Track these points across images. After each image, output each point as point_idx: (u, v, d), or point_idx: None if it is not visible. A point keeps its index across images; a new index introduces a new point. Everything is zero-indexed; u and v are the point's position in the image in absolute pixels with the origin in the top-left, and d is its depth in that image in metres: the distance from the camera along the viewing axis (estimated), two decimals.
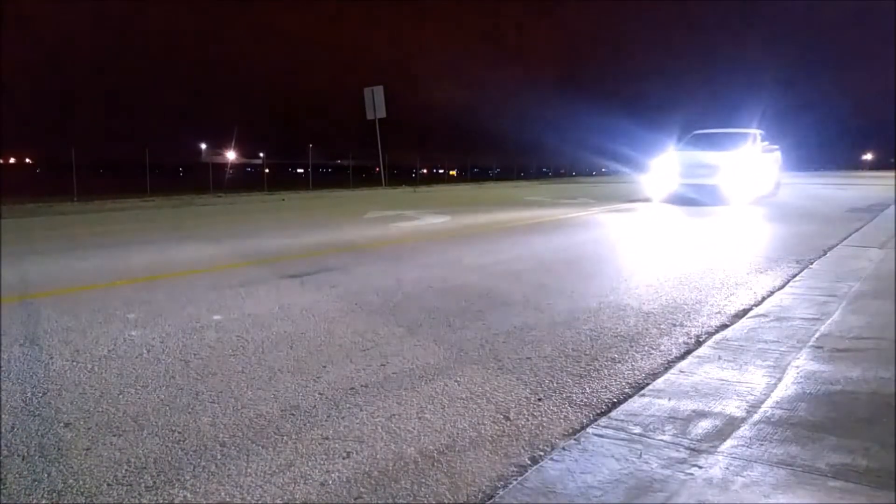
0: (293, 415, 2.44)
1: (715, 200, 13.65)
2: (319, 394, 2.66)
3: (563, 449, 2.03)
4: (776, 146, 17.26)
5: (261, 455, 2.11)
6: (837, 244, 6.90)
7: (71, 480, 1.95)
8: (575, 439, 2.10)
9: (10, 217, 12.44)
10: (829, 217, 11.23)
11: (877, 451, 1.92)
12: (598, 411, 2.45)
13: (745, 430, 2.10)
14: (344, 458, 2.08)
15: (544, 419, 2.39)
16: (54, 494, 1.88)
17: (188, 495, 1.87)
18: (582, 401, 2.57)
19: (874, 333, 3.23)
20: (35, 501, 1.84)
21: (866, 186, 25.02)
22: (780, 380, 2.57)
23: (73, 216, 13.25)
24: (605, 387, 2.73)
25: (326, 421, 2.38)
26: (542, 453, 2.09)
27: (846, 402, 2.33)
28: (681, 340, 3.40)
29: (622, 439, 2.05)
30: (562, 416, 2.41)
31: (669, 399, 2.40)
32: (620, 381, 2.79)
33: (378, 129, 26.33)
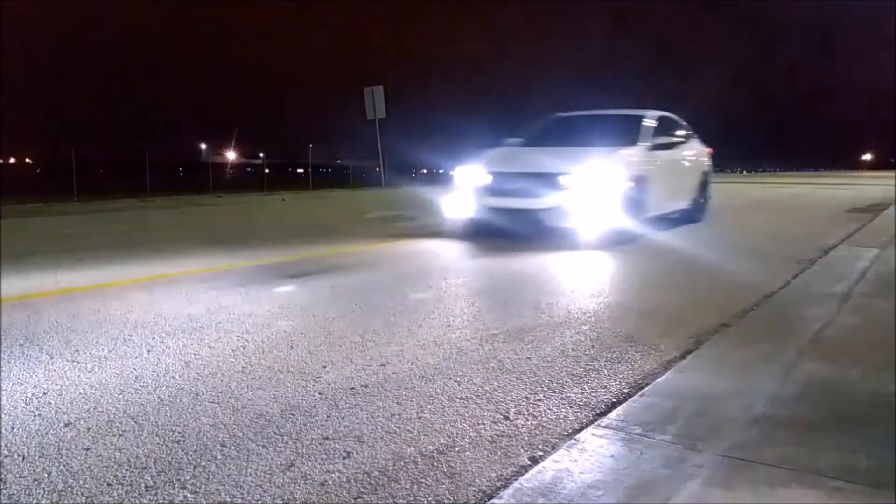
0: (293, 415, 2.44)
1: (547, 235, 7.43)
2: (319, 394, 2.66)
3: (563, 449, 2.03)
4: (694, 134, 10.41)
5: (261, 455, 2.11)
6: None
7: (71, 480, 1.95)
8: (575, 439, 2.10)
9: (10, 217, 12.44)
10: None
11: (877, 450, 1.92)
12: (598, 411, 2.45)
13: (745, 431, 2.10)
14: (344, 458, 2.08)
15: (544, 419, 2.39)
16: (54, 494, 1.88)
17: (188, 495, 1.87)
18: (582, 401, 2.57)
19: None
20: (35, 501, 1.84)
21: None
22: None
23: (73, 217, 13.25)
24: (605, 387, 2.73)
25: (326, 421, 2.38)
26: (541, 453, 2.09)
27: (846, 401, 2.33)
28: None
29: (622, 439, 2.05)
30: (561, 416, 2.41)
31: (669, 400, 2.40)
32: (620, 383, 2.79)
33: (378, 129, 26.34)
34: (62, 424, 2.36)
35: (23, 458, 2.09)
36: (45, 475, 1.98)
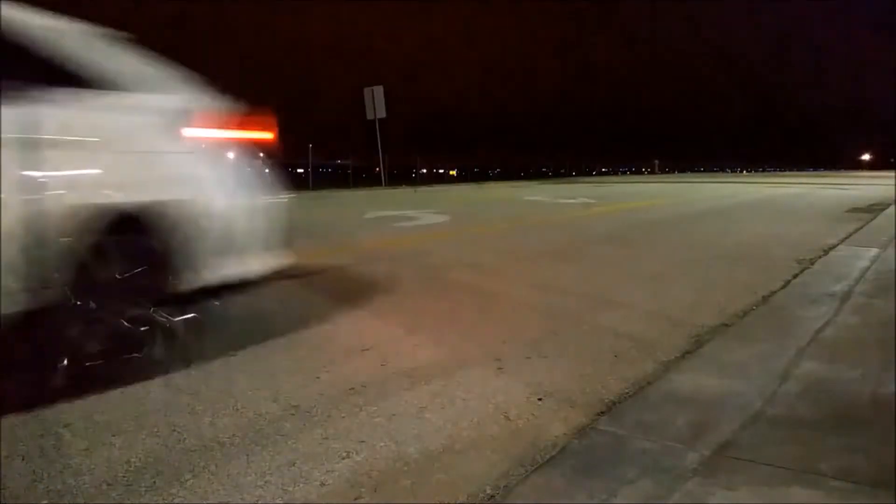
0: (293, 415, 2.44)
1: None
2: (319, 394, 2.66)
3: (564, 448, 2.03)
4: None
5: (261, 455, 2.11)
6: None
7: (71, 481, 1.95)
8: (576, 438, 2.10)
9: None
10: None
11: (877, 450, 1.92)
12: (598, 411, 2.45)
13: (745, 431, 2.10)
14: (344, 458, 2.08)
15: (544, 419, 2.39)
16: (54, 494, 1.88)
17: (188, 495, 1.87)
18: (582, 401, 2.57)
19: None
20: (35, 501, 1.84)
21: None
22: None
23: None
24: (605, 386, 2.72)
25: (326, 421, 2.38)
26: (542, 453, 2.09)
27: (846, 401, 2.33)
28: None
29: (622, 439, 2.05)
30: (562, 416, 2.41)
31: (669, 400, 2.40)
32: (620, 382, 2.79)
33: (378, 129, 26.33)
34: (62, 425, 2.36)
35: (23, 459, 2.08)
36: (45, 475, 1.98)
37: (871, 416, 2.20)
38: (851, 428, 2.10)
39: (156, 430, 2.31)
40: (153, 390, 2.71)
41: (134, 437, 2.25)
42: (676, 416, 2.22)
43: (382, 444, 2.19)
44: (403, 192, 23.71)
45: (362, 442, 2.20)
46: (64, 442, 2.22)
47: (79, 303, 2.64)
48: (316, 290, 4.84)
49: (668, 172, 79.02)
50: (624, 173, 71.91)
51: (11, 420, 2.40)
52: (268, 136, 3.59)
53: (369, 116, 26.31)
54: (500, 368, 2.96)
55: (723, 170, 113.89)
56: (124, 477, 1.97)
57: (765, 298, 4.31)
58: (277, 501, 1.83)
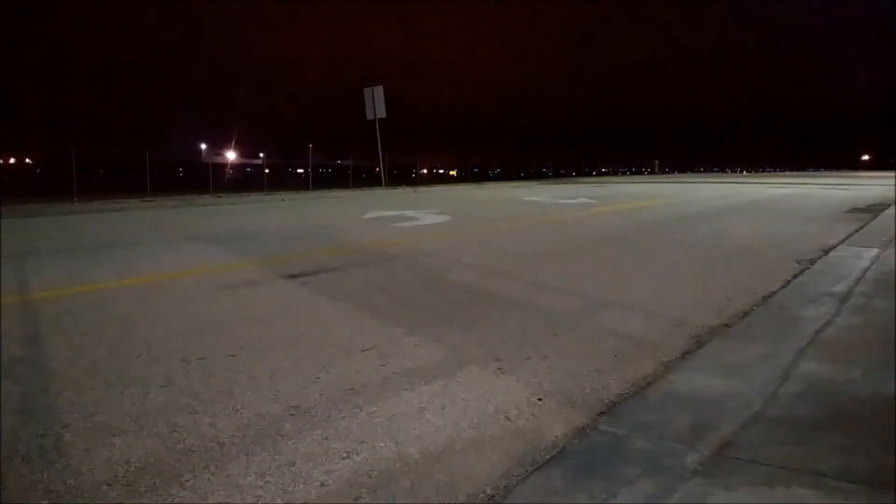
0: (293, 415, 2.44)
1: None
2: (319, 394, 2.66)
3: (564, 448, 2.03)
4: None
5: (261, 455, 2.11)
6: None
7: (71, 480, 1.95)
8: (576, 438, 2.10)
9: (11, 217, 12.44)
10: None
11: (876, 450, 1.92)
12: (598, 411, 2.45)
13: (745, 431, 2.09)
14: (344, 459, 2.08)
15: (545, 419, 2.39)
16: (54, 494, 1.88)
17: (188, 495, 1.87)
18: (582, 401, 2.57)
19: None
20: (35, 501, 1.84)
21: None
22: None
23: (74, 217, 13.25)
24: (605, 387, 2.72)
25: (326, 421, 2.38)
26: (542, 453, 2.09)
27: (846, 401, 2.33)
28: None
29: (622, 439, 2.05)
30: (562, 417, 2.41)
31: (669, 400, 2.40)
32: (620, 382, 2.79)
33: (378, 129, 26.33)
34: (62, 425, 2.36)
35: (23, 459, 2.08)
36: (46, 475, 1.98)
37: (870, 416, 2.20)
38: (851, 428, 2.10)
39: (156, 430, 2.31)
40: (153, 390, 2.71)
41: (134, 437, 2.25)
42: (676, 416, 2.22)
43: (382, 444, 2.19)
44: (403, 192, 23.70)
45: (362, 442, 2.20)
46: (64, 442, 2.22)
47: None
48: (316, 289, 4.84)
49: (668, 172, 79.06)
50: (624, 173, 71.91)
51: (11, 420, 2.40)
52: None
53: (369, 116, 26.30)
54: (500, 368, 2.96)
55: (723, 170, 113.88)
56: (124, 477, 1.97)
57: (765, 299, 4.31)
58: (277, 501, 1.83)
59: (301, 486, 1.92)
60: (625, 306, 4.25)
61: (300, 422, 2.38)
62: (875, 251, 6.09)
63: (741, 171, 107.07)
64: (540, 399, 2.59)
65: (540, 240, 8.34)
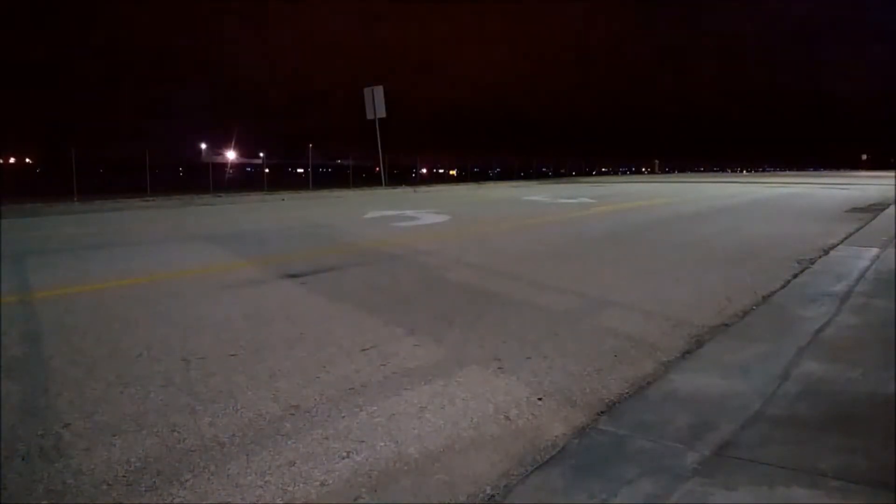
0: (293, 415, 2.44)
1: None
2: (319, 394, 2.66)
3: (564, 448, 2.03)
4: None
5: (261, 455, 2.11)
6: None
7: (71, 480, 1.95)
8: (576, 438, 2.10)
9: (11, 217, 12.44)
10: None
11: (876, 450, 1.92)
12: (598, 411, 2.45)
13: (745, 431, 2.09)
14: (344, 458, 2.08)
15: (545, 419, 2.39)
16: (54, 494, 1.88)
17: (188, 495, 1.87)
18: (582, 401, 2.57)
19: None
20: (35, 501, 1.84)
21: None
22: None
23: (74, 216, 13.25)
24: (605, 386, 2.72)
25: (326, 421, 2.38)
26: (542, 453, 2.09)
27: (846, 401, 2.33)
28: None
29: (622, 439, 2.05)
30: (562, 416, 2.41)
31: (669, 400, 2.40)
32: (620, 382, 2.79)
33: (378, 129, 26.32)
34: (62, 425, 2.36)
35: (23, 459, 2.08)
36: (45, 475, 1.98)
37: (870, 416, 2.20)
38: (851, 428, 2.10)
39: (156, 430, 2.31)
40: (153, 390, 2.71)
41: (134, 437, 2.25)
42: (676, 416, 2.22)
43: (382, 443, 2.19)
44: (403, 192, 23.70)
45: (362, 442, 2.20)
46: (64, 442, 2.22)
47: None
48: (316, 289, 4.84)
49: (668, 172, 79.08)
50: (624, 173, 71.91)
51: (11, 420, 2.40)
52: None
53: (369, 116, 26.29)
54: (500, 368, 2.96)
55: (723, 170, 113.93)
56: (124, 477, 1.97)
57: (765, 298, 4.31)
58: (277, 501, 1.83)
59: (301, 485, 1.92)
60: (625, 306, 4.25)
61: (300, 422, 2.38)
62: (875, 251, 6.09)
63: (741, 171, 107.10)
64: (540, 399, 2.59)
65: (540, 239, 8.34)
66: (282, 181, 29.62)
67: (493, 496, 1.83)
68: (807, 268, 5.42)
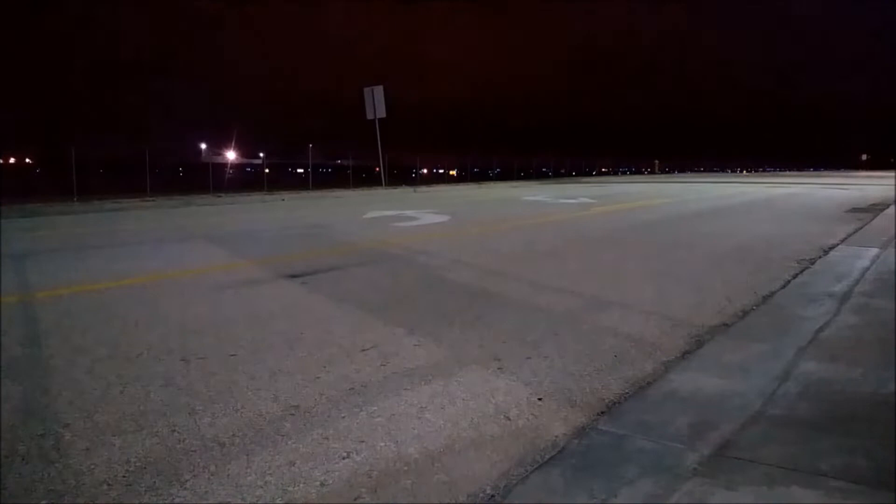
0: (293, 415, 2.44)
1: None
2: (319, 394, 2.66)
3: (564, 448, 2.03)
4: None
5: (261, 455, 2.11)
6: None
7: (71, 480, 1.95)
8: (576, 438, 2.10)
9: (11, 218, 12.43)
10: None
11: (876, 450, 1.92)
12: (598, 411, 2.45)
13: (745, 431, 2.09)
14: (344, 458, 2.08)
15: (545, 419, 2.39)
16: (54, 494, 1.88)
17: (188, 495, 1.87)
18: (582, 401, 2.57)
19: None
20: (35, 501, 1.84)
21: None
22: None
23: (73, 216, 13.25)
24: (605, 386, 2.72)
25: (326, 420, 2.38)
26: (542, 453, 2.09)
27: (846, 401, 2.33)
28: None
29: (622, 439, 2.05)
30: (562, 416, 2.41)
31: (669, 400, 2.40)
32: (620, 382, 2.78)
33: (378, 129, 26.32)
34: (62, 425, 2.36)
35: (23, 459, 2.08)
36: (46, 475, 1.98)
37: (870, 416, 2.20)
38: (851, 428, 2.10)
39: (156, 430, 2.31)
40: (153, 390, 2.71)
41: (134, 437, 2.25)
42: (676, 416, 2.22)
43: (382, 444, 2.19)
44: (403, 192, 23.70)
45: (362, 442, 2.20)
46: (64, 442, 2.22)
47: None
48: (316, 289, 4.84)
49: (668, 172, 79.08)
50: (624, 173, 71.87)
51: (11, 420, 2.40)
52: None
53: (369, 116, 26.29)
54: (500, 368, 2.96)
55: (723, 170, 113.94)
56: (124, 477, 1.97)
57: (765, 298, 4.31)
58: (277, 501, 1.83)
59: (301, 485, 1.92)
60: (625, 306, 4.25)
61: (300, 422, 2.38)
62: (875, 251, 6.09)
63: (741, 171, 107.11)
64: (540, 399, 2.58)
65: (540, 239, 8.34)
66: (282, 181, 29.61)
67: (493, 496, 1.83)
68: (807, 268, 5.42)
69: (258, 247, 7.62)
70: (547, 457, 2.00)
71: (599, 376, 2.85)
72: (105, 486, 1.92)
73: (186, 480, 1.95)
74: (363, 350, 3.26)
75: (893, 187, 20.53)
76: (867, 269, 5.13)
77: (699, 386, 2.53)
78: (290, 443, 2.20)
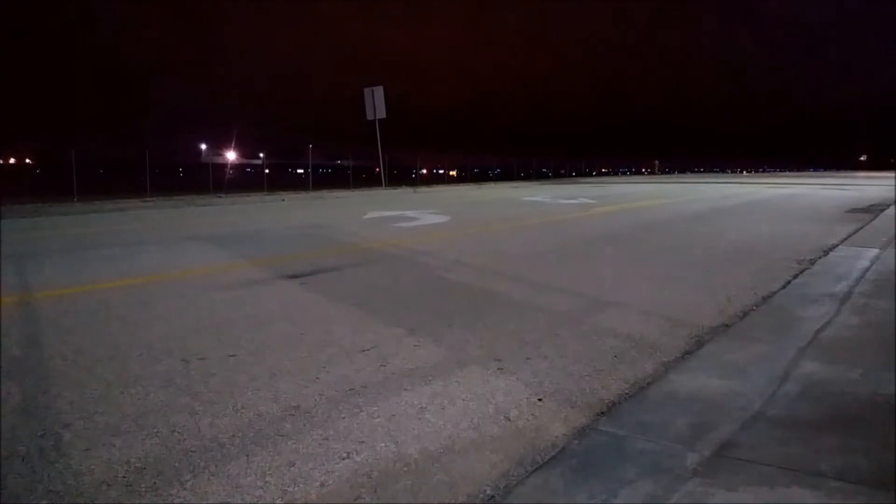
0: (293, 415, 2.44)
1: None
2: (319, 394, 2.66)
3: (564, 449, 2.03)
4: None
5: (261, 455, 2.11)
6: None
7: (71, 481, 1.95)
8: (576, 439, 2.10)
9: (11, 218, 12.43)
10: None
11: (876, 451, 1.92)
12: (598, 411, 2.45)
13: (745, 431, 2.09)
14: (344, 459, 2.08)
15: (545, 419, 2.39)
16: (54, 494, 1.88)
17: (188, 495, 1.87)
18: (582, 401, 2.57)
19: None
20: (35, 501, 1.84)
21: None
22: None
23: (73, 217, 13.25)
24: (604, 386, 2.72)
25: (326, 421, 2.38)
26: (542, 453, 2.09)
27: (846, 401, 2.33)
28: None
29: (622, 440, 2.05)
30: (562, 417, 2.41)
31: (668, 401, 2.40)
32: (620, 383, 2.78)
33: (378, 130, 26.31)
34: (62, 425, 2.36)
35: (23, 459, 2.08)
36: (46, 475, 1.98)
37: (870, 416, 2.20)
38: (851, 428, 2.10)
39: (156, 430, 2.31)
40: (153, 390, 2.71)
41: (134, 437, 2.25)
42: (676, 416, 2.22)
43: (382, 444, 2.19)
44: (403, 193, 23.70)
45: (362, 442, 2.20)
46: (64, 442, 2.22)
47: None
48: (316, 290, 4.84)
49: (668, 173, 79.10)
50: (624, 173, 71.88)
51: (11, 420, 2.40)
52: None
53: (369, 116, 26.29)
54: (500, 368, 2.96)
55: (723, 170, 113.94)
56: (124, 477, 1.97)
57: (765, 299, 4.31)
58: (277, 502, 1.83)
59: (301, 486, 1.92)
60: (625, 306, 4.25)
61: (300, 422, 2.38)
62: (875, 251, 6.09)
63: (741, 172, 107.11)
64: (540, 399, 2.58)
65: (540, 240, 8.34)
66: (282, 182, 29.60)
67: (492, 496, 1.83)
68: (807, 268, 5.42)
69: (258, 247, 7.62)
70: (547, 457, 2.00)
71: (599, 377, 2.85)
72: (105, 487, 1.92)
73: (186, 481, 1.95)
74: (363, 350, 3.26)
75: (893, 188, 20.53)
76: (867, 269, 5.13)
77: (699, 386, 2.53)
78: (290, 443, 2.20)
